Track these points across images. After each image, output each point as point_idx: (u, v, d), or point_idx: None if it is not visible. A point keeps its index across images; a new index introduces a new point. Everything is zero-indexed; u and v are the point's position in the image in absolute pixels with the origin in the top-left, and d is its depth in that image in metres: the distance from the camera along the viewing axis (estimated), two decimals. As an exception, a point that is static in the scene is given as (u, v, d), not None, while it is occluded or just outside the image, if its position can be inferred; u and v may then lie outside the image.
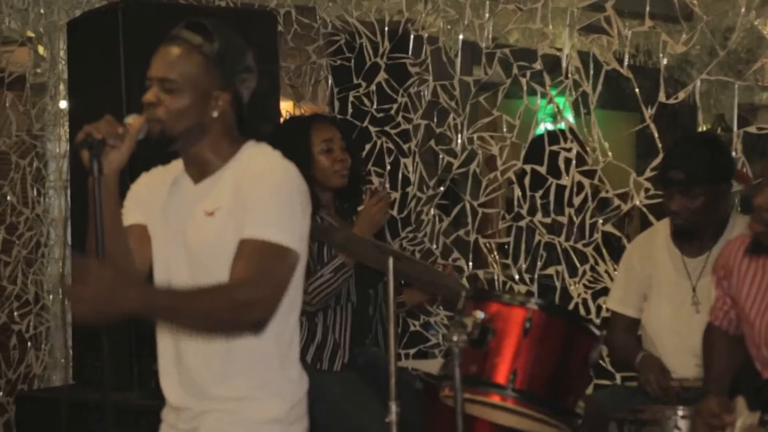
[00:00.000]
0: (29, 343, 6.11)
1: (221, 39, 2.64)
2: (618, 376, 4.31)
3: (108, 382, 2.46)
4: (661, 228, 3.94)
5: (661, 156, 4.13)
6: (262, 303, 2.49)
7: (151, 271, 2.72)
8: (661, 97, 4.22)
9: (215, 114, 2.64)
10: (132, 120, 2.57)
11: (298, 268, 2.64)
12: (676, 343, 3.76)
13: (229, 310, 2.46)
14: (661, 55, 4.26)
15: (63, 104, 6.04)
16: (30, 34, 6.18)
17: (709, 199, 3.70)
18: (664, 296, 3.87)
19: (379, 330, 4.22)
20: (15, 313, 6.11)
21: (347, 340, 4.01)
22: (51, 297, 6.11)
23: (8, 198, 6.12)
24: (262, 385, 2.64)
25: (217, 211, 2.60)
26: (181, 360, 2.67)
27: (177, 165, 2.75)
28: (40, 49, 6.19)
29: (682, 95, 4.24)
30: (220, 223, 2.58)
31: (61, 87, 6.04)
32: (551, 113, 4.78)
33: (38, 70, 6.21)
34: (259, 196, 2.56)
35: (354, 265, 3.93)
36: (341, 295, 3.98)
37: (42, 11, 6.08)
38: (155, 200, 2.66)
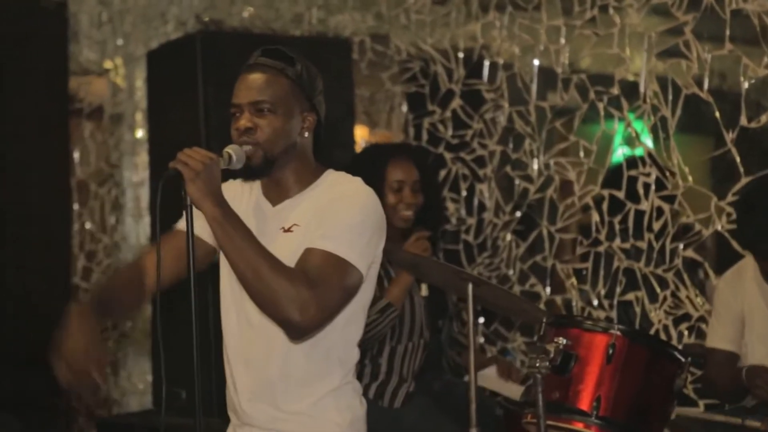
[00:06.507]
0: (108, 369, 6.18)
1: (300, 62, 2.68)
2: (701, 404, 4.22)
3: (199, 408, 2.47)
4: (749, 265, 3.87)
5: (743, 181, 4.08)
6: (302, 306, 2.44)
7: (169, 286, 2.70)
8: (743, 120, 4.16)
9: (306, 135, 2.68)
10: (231, 150, 2.59)
11: (363, 293, 2.65)
12: None
13: (275, 288, 2.43)
14: (741, 78, 4.20)
15: (140, 134, 6.14)
16: (108, 65, 6.29)
17: None
18: (757, 335, 3.80)
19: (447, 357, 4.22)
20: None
21: (412, 374, 3.99)
22: (129, 324, 6.17)
23: (87, 226, 6.22)
24: (318, 403, 2.65)
25: (295, 228, 2.62)
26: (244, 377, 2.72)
27: (254, 186, 2.75)
28: (118, 80, 6.30)
29: (764, 118, 4.17)
30: (297, 238, 2.59)
31: (138, 117, 6.14)
32: (628, 138, 4.74)
33: (116, 101, 6.31)
34: (336, 212, 2.57)
35: (426, 299, 3.93)
36: (414, 332, 3.95)
37: (119, 42, 6.19)
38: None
